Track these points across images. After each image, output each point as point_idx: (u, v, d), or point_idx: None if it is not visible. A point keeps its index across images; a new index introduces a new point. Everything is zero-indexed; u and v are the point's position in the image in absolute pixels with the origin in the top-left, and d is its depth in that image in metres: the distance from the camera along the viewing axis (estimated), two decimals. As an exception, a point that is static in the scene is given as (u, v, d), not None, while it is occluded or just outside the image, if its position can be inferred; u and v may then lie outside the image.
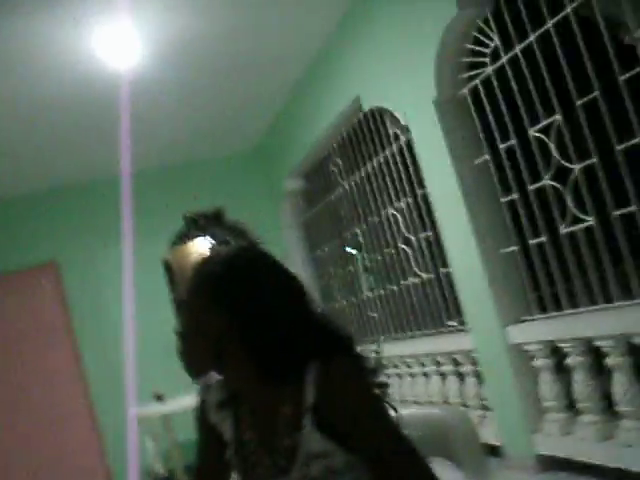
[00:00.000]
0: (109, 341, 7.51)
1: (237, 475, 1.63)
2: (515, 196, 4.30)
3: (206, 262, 1.63)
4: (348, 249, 7.10)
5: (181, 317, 1.64)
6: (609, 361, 3.79)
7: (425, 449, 1.50)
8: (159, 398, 6.06)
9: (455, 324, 5.17)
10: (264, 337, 1.50)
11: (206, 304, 1.54)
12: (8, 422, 7.16)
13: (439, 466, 1.52)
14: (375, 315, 6.57)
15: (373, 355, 1.53)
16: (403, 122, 5.09)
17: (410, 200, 5.48)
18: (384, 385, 1.58)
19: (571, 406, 4.22)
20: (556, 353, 4.29)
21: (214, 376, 1.68)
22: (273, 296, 1.54)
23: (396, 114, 5.16)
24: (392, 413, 1.52)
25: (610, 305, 3.82)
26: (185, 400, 5.65)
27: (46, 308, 7.57)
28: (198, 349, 1.57)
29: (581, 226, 3.87)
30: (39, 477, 7.12)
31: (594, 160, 3.68)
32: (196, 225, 8.11)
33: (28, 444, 7.26)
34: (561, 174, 3.96)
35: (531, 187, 4.16)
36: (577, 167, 3.80)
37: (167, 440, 6.22)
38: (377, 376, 1.57)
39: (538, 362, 4.28)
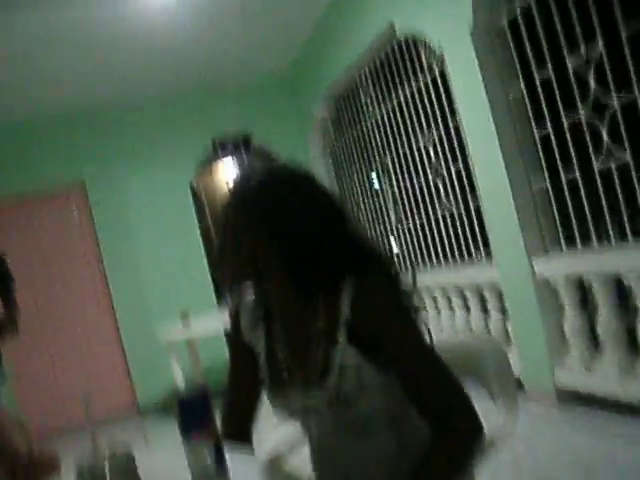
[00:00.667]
0: (135, 264, 7.62)
1: (268, 391, 1.67)
2: (549, 130, 4.25)
3: (242, 179, 1.65)
4: (375, 180, 7.08)
5: (218, 235, 1.66)
6: (635, 298, 3.79)
7: (457, 375, 1.52)
8: (185, 321, 6.16)
9: (482, 256, 5.18)
10: (300, 251, 1.53)
11: (242, 219, 1.56)
12: (35, 344, 7.33)
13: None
14: (398, 249, 6.60)
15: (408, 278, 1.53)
16: (438, 51, 5.00)
17: (442, 131, 5.43)
18: (418, 307, 1.62)
19: (595, 342, 4.25)
20: (582, 288, 4.31)
21: (248, 294, 1.72)
22: (309, 210, 1.57)
23: (431, 43, 5.06)
24: (426, 337, 1.55)
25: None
26: (210, 324, 5.75)
27: (73, 230, 7.66)
28: (235, 266, 1.60)
29: (616, 163, 3.82)
30: (65, 397, 7.34)
31: (636, 94, 3.61)
32: (224, 150, 8.10)
33: (55, 365, 7.48)
34: (598, 108, 3.89)
35: (566, 121, 4.10)
36: (616, 101, 3.73)
37: (191, 363, 6.36)
38: (412, 297, 1.60)
39: (563, 296, 4.29)
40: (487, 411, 1.81)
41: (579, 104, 3.99)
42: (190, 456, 1.27)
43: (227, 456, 1.31)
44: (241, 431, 1.70)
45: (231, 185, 1.65)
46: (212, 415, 1.28)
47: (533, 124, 4.36)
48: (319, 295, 1.56)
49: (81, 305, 7.59)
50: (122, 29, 5.72)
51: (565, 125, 4.11)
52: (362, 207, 7.39)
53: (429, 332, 1.56)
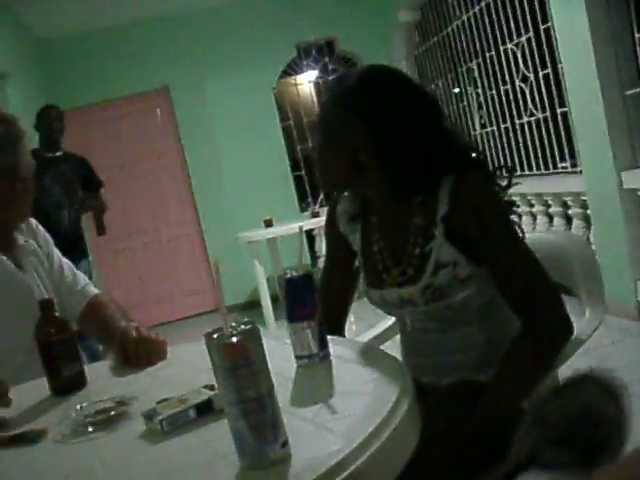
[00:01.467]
0: (219, 167, 7.72)
1: (366, 285, 1.71)
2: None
3: (340, 77, 1.66)
4: (457, 89, 6.95)
5: (317, 134, 1.68)
6: None
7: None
8: (268, 225, 6.26)
9: (567, 165, 5.08)
10: (400, 148, 1.54)
11: (343, 117, 1.57)
12: (120, 245, 7.59)
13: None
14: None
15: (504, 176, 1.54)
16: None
17: (531, 35, 5.25)
18: (513, 203, 1.65)
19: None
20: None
21: (346, 190, 1.75)
22: (408, 107, 1.58)
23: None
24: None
25: None
26: (293, 226, 5.83)
27: (158, 132, 7.78)
28: (335, 163, 1.62)
29: None
30: (149, 296, 7.62)
31: None
32: (307, 54, 8.04)
33: (138, 265, 7.74)
34: None
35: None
36: None
37: (273, 263, 6.49)
38: (507, 194, 1.62)
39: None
40: (572, 308, 1.83)
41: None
42: (294, 337, 1.33)
43: (329, 340, 1.36)
44: (333, 324, 1.76)
45: (323, 85, 1.67)
46: (316, 297, 1.33)
47: (634, 26, 4.17)
48: (417, 192, 1.58)
49: (165, 207, 7.77)
50: None
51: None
52: (447, 111, 7.27)
53: (521, 229, 1.58)
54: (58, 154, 4.95)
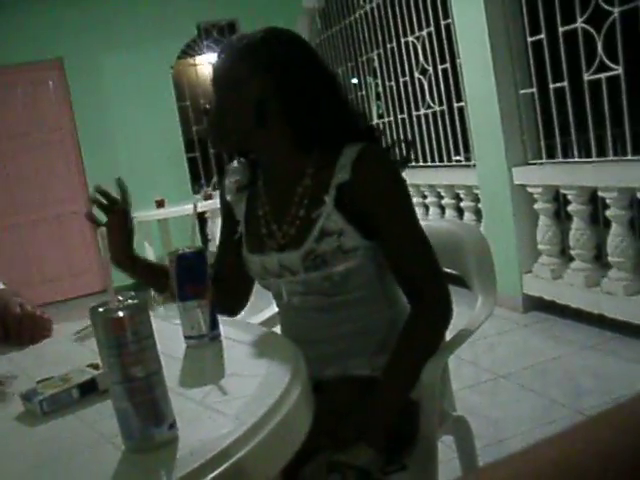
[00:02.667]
0: (111, 144, 7.49)
1: (246, 251, 1.66)
2: (543, 36, 4.19)
3: (240, 37, 1.63)
4: (355, 80, 7.00)
5: (215, 92, 1.62)
6: (609, 213, 3.85)
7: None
8: (159, 205, 6.15)
9: (461, 159, 5.20)
10: (304, 105, 1.53)
11: (247, 69, 1.54)
12: (6, 220, 7.28)
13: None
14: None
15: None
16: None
17: (432, 29, 5.32)
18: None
19: (564, 252, 4.34)
20: (558, 200, 4.37)
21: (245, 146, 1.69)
22: (312, 65, 1.58)
23: None
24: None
25: (622, 158, 3.83)
26: (185, 207, 5.75)
27: (51, 105, 7.46)
28: (236, 116, 1.57)
29: (607, 74, 3.79)
30: (36, 275, 7.34)
31: (638, 3, 3.54)
32: (208, 36, 7.91)
33: (26, 243, 7.43)
34: (597, 17, 3.83)
35: (562, 29, 4.04)
36: (617, 10, 3.66)
37: (162, 244, 6.38)
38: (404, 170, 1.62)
39: (539, 205, 4.34)
40: (463, 298, 1.86)
41: (577, 11, 3.92)
42: (183, 317, 1.28)
43: (220, 320, 1.33)
44: (227, 303, 1.70)
45: (224, 46, 1.64)
46: (208, 274, 1.29)
47: (527, 28, 4.29)
48: (319, 150, 1.56)
49: (54, 183, 7.47)
50: None
51: (560, 32, 4.05)
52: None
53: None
54: None
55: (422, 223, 1.57)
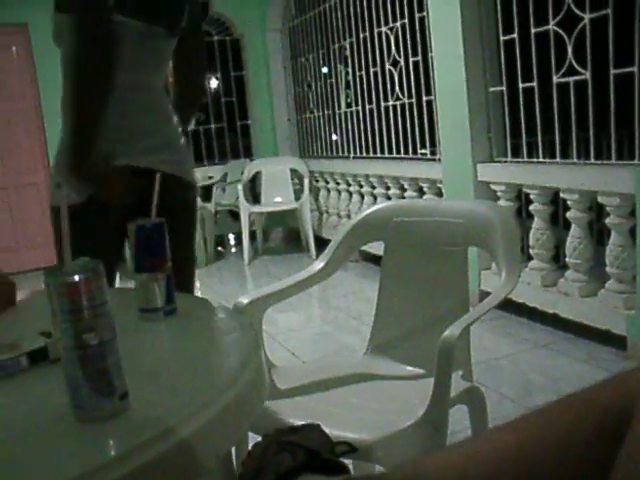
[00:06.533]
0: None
1: None
2: (515, 36, 4.21)
3: None
4: (325, 69, 6.98)
5: None
6: (570, 214, 3.90)
7: (466, 237, 1.84)
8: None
9: (427, 152, 5.22)
10: None
11: None
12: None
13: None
14: (336, 137, 6.60)
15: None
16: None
17: (406, 21, 5.32)
18: None
19: (523, 251, 4.38)
20: (520, 199, 4.41)
21: None
22: None
23: None
24: None
25: (585, 162, 3.88)
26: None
27: (14, 72, 7.27)
28: None
29: (575, 78, 3.83)
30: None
31: (608, 11, 3.58)
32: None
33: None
34: (569, 21, 3.86)
35: (535, 30, 4.06)
36: (588, 16, 3.70)
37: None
38: None
39: (501, 203, 4.37)
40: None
41: (550, 13, 3.95)
42: (139, 289, 1.26)
43: (175, 294, 1.30)
44: None
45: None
46: (166, 248, 1.26)
47: (500, 27, 4.31)
48: None
49: (14, 153, 7.33)
50: None
51: (532, 33, 4.08)
52: (314, 88, 7.31)
53: None
54: None
55: (449, 203, 1.63)
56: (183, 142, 2.31)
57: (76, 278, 0.80)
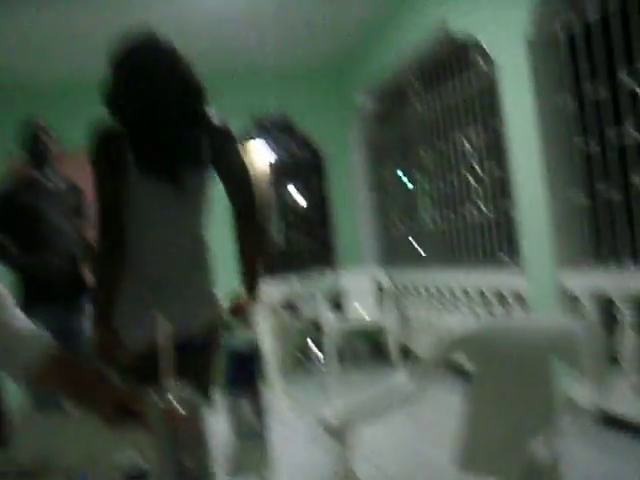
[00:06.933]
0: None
1: None
2: (594, 146, 4.24)
3: None
4: (405, 178, 7.12)
5: None
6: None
7: (552, 353, 1.86)
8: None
9: (509, 260, 5.18)
10: None
11: None
12: None
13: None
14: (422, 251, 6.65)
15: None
16: (489, 53, 4.98)
17: (482, 133, 5.43)
18: None
19: (613, 361, 4.25)
20: (606, 306, 4.31)
21: None
22: None
23: (483, 46, 5.04)
24: None
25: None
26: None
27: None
28: None
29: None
30: None
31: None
32: (260, 126, 8.11)
33: None
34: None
35: (614, 139, 4.08)
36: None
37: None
38: None
39: (588, 311, 4.29)
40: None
41: (630, 124, 3.98)
42: (231, 412, 1.29)
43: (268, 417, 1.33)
44: None
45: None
46: (258, 373, 1.30)
47: (579, 138, 4.35)
48: None
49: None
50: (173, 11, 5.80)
51: (611, 143, 4.10)
52: (396, 198, 7.45)
53: None
54: None
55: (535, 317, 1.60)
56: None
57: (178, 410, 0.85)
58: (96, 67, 2.58)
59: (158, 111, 2.35)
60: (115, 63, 2.35)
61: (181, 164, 2.39)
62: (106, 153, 2.30)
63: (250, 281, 2.58)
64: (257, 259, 2.60)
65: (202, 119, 2.50)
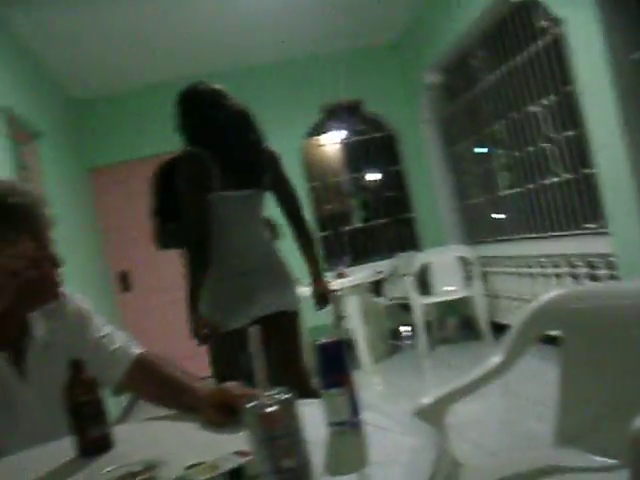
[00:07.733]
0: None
1: None
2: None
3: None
4: (481, 149, 7.00)
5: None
6: None
7: None
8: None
9: (594, 226, 5.05)
10: None
11: None
12: None
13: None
14: (504, 216, 6.55)
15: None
16: (555, 14, 4.84)
17: (554, 97, 5.29)
18: None
19: None
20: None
21: None
22: None
23: (548, 6, 4.90)
24: None
25: None
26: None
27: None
28: None
29: None
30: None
31: None
32: (333, 116, 8.13)
33: None
34: None
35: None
36: None
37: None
38: None
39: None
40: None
41: None
42: (326, 403, 1.30)
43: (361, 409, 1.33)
44: None
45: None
46: (348, 362, 1.31)
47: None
48: None
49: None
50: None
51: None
52: (470, 173, 7.34)
53: None
54: None
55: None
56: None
57: (270, 410, 0.86)
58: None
59: (229, 137, 3.16)
60: (188, 99, 3.27)
61: (248, 177, 3.19)
62: (200, 168, 3.02)
63: (316, 273, 3.48)
64: (316, 258, 3.51)
65: (257, 143, 3.32)
